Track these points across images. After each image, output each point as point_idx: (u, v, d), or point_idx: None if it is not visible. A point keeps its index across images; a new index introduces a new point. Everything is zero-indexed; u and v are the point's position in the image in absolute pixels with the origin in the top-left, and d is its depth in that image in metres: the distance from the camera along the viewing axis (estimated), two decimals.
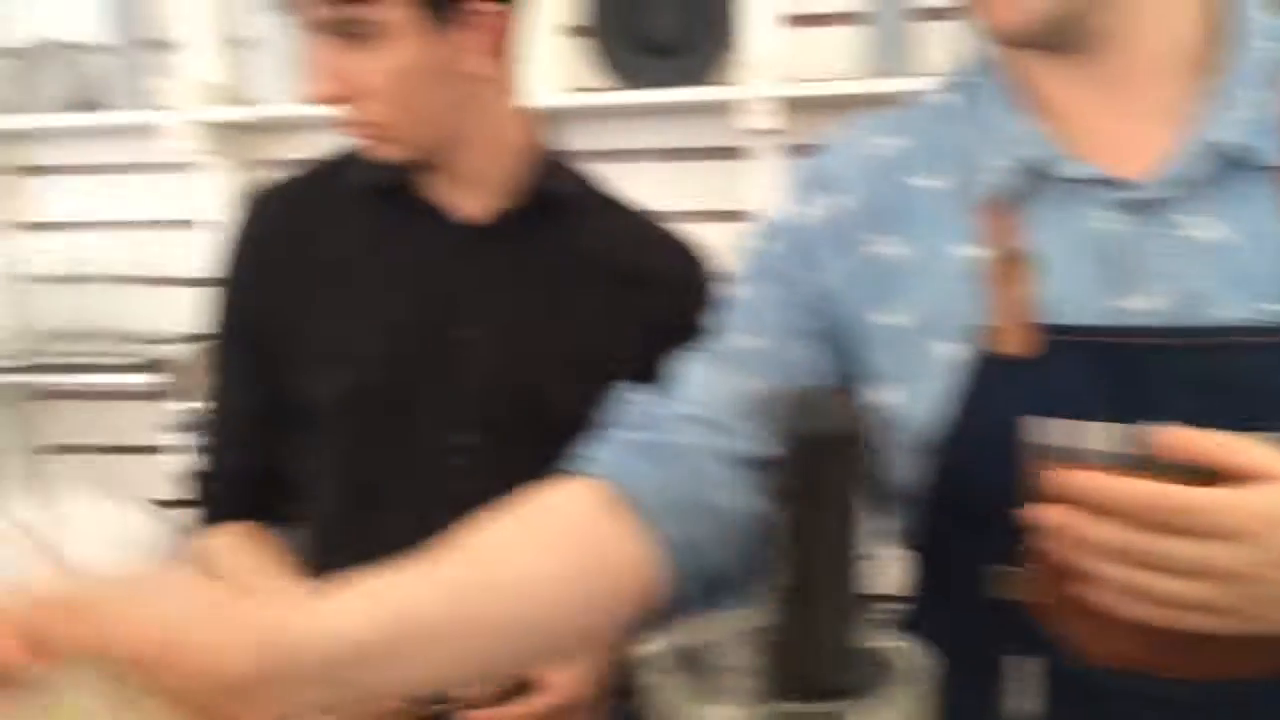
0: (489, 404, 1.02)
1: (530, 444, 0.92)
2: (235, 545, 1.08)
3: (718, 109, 1.91)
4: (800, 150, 1.93)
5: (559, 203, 1.05)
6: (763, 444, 0.74)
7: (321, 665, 0.57)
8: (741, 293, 0.80)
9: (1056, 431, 0.65)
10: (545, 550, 0.68)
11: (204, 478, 1.11)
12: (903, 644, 0.39)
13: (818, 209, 0.78)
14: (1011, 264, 0.70)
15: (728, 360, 0.77)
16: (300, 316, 1.05)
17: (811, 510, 0.32)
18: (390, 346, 1.02)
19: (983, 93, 0.77)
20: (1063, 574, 0.61)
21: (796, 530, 0.33)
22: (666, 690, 0.38)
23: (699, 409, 0.75)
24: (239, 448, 1.10)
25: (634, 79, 1.93)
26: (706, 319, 0.97)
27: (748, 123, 1.81)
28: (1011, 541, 0.65)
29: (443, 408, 1.03)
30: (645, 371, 0.95)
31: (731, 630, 0.41)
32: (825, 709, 0.35)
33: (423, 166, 1.02)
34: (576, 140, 2.00)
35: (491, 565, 0.66)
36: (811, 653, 0.34)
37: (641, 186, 1.97)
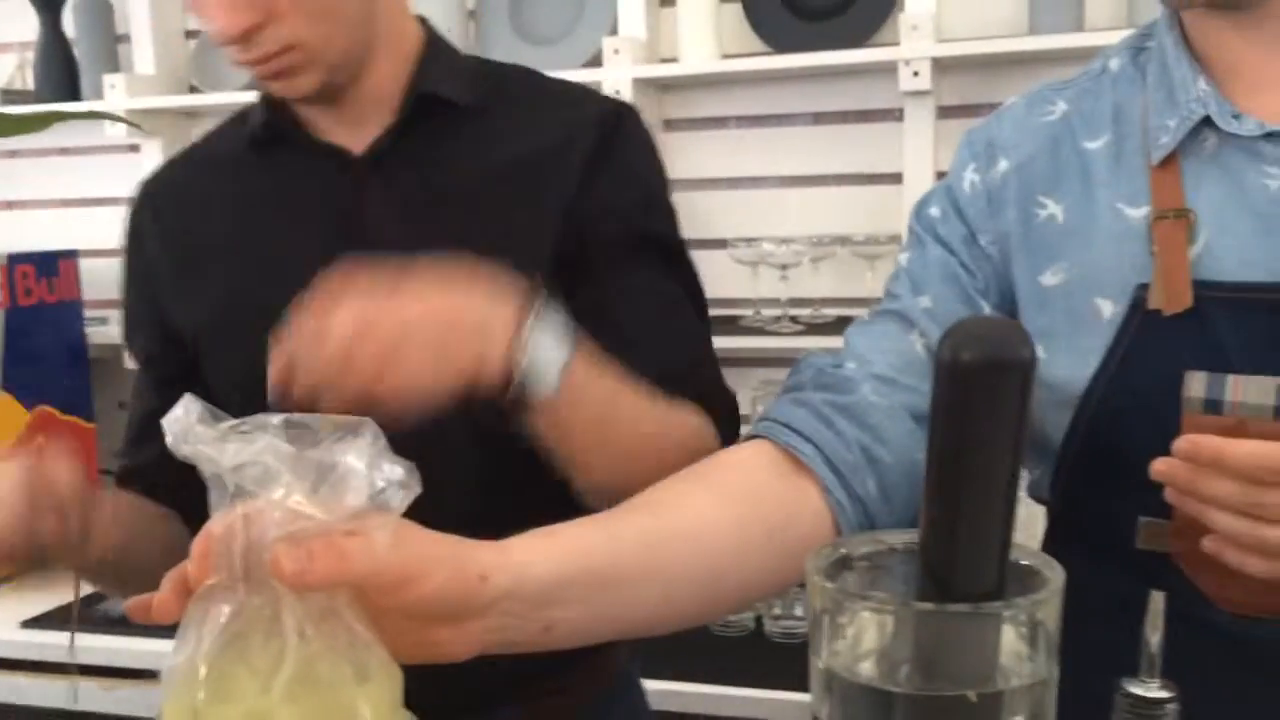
0: None
1: None
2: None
3: (869, 71, 1.92)
4: (954, 111, 1.92)
5: (446, 107, 0.95)
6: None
7: (509, 600, 0.61)
8: (909, 255, 0.83)
9: (1204, 384, 0.68)
10: (723, 503, 0.71)
11: (118, 480, 1.05)
12: (1043, 557, 0.43)
13: (986, 173, 0.81)
14: (1176, 222, 0.72)
15: (898, 320, 0.80)
16: (205, 293, 0.98)
17: (980, 429, 0.36)
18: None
19: (1152, 55, 0.78)
20: (1192, 525, 0.64)
21: (961, 450, 0.37)
22: (829, 591, 0.42)
23: (872, 367, 0.78)
24: (126, 453, 1.04)
25: (783, 43, 1.95)
26: (643, 184, 0.96)
27: (901, 85, 1.82)
28: (1163, 494, 0.67)
29: None
30: (578, 265, 0.91)
31: (892, 542, 0.46)
32: (983, 609, 0.39)
33: (327, 95, 0.93)
34: (728, 107, 2.07)
35: (671, 516, 0.70)
36: (971, 558, 0.39)
37: (794, 152, 2.04)
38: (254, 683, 0.54)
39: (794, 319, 1.95)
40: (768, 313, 1.98)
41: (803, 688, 1.53)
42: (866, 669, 0.42)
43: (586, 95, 1.00)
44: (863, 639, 0.42)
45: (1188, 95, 0.74)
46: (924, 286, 0.80)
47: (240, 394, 0.77)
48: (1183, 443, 0.61)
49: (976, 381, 0.36)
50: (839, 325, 1.93)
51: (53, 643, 1.77)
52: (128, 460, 1.04)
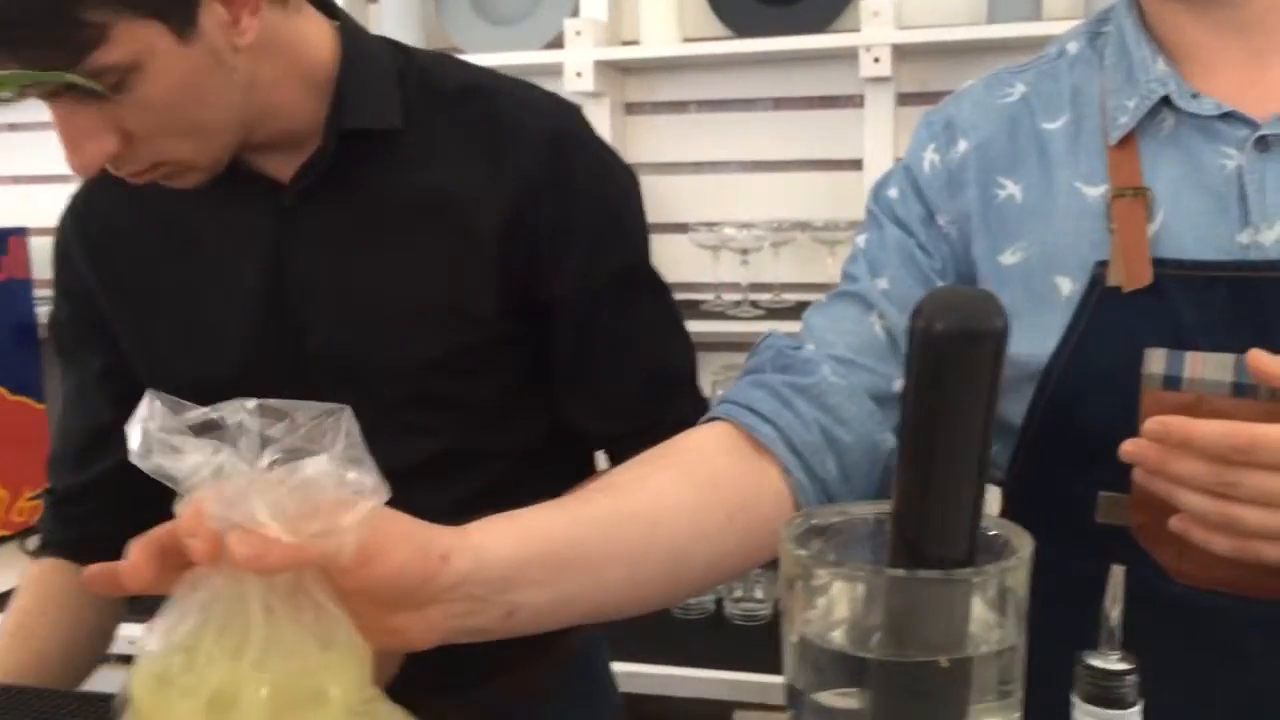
0: (342, 382, 0.83)
1: (397, 408, 0.88)
2: (34, 579, 1.00)
3: (830, 57, 1.93)
4: (913, 99, 1.94)
5: (364, 135, 0.88)
6: (893, 380, 0.78)
7: (471, 583, 0.60)
8: (866, 236, 0.84)
9: (1164, 361, 0.69)
10: (683, 485, 0.71)
11: (59, 502, 1.02)
12: (1012, 526, 0.44)
13: (945, 154, 0.82)
14: (1134, 200, 0.73)
15: (856, 302, 0.80)
16: (132, 318, 0.95)
17: (953, 398, 0.37)
18: (238, 350, 0.90)
19: (1109, 39, 0.79)
20: (1154, 501, 0.65)
21: (934, 419, 0.37)
22: (801, 558, 0.43)
23: (831, 349, 0.78)
24: (73, 469, 0.99)
25: (745, 28, 1.96)
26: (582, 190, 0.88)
27: (862, 71, 1.83)
28: (1121, 469, 0.69)
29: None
30: (522, 296, 0.87)
31: (861, 513, 0.46)
32: (954, 575, 0.40)
33: (224, 169, 0.87)
34: (690, 91, 2.07)
35: (631, 497, 0.70)
36: (943, 525, 0.39)
37: (755, 136, 2.04)
38: (223, 655, 0.54)
39: (754, 304, 1.95)
40: (728, 297, 1.99)
41: (763, 668, 1.54)
42: (838, 637, 0.42)
43: (525, 106, 0.91)
44: (834, 607, 0.43)
45: (1147, 75, 0.75)
46: (881, 268, 0.81)
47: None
48: (1152, 424, 0.62)
49: (950, 351, 0.37)
50: (799, 310, 1.92)
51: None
52: (78, 476, 0.99)
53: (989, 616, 0.42)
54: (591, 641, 1.08)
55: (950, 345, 0.37)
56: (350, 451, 0.56)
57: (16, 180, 2.40)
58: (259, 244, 0.90)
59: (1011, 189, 0.79)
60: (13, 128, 2.39)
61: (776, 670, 1.50)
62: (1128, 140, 0.75)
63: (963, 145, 0.81)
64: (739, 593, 1.70)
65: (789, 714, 0.46)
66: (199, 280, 0.91)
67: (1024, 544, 0.42)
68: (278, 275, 0.89)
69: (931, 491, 0.39)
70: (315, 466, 0.54)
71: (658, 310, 0.96)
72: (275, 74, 0.85)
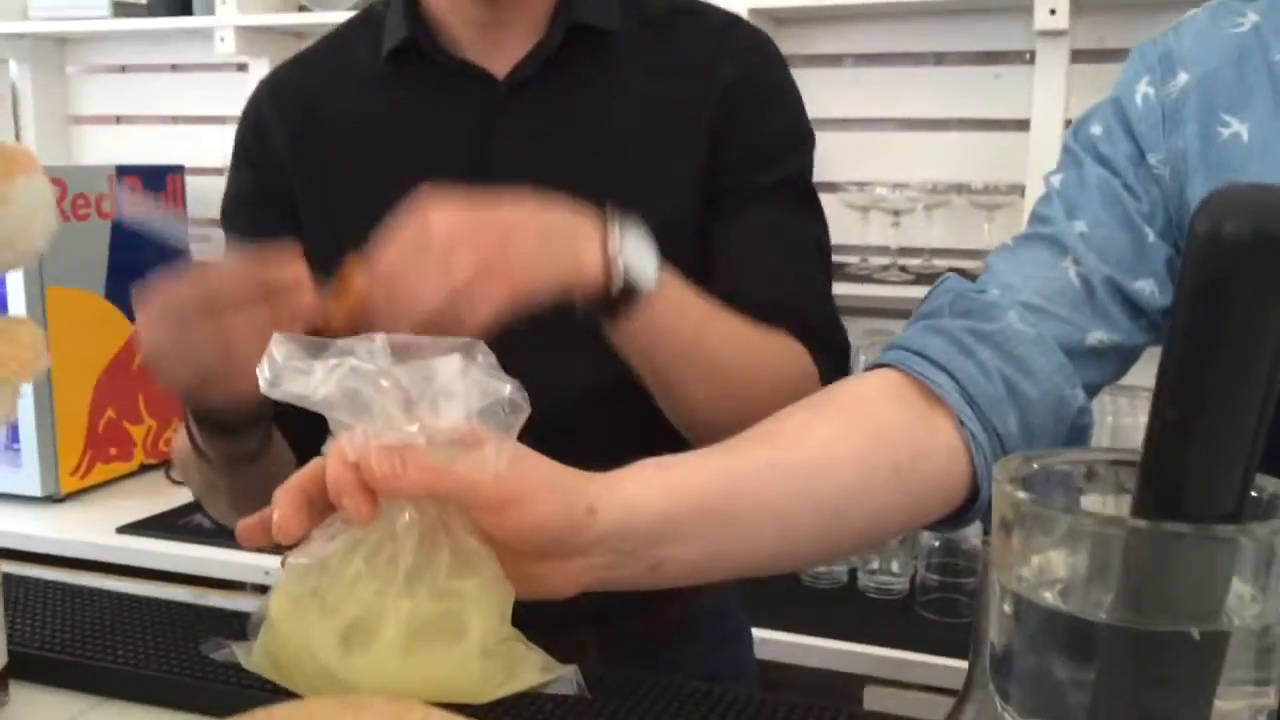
0: None
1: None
2: None
3: (999, 9, 1.82)
4: (1089, 55, 1.81)
5: (593, 34, 0.91)
6: (1087, 332, 0.71)
7: (617, 536, 0.58)
8: (1062, 176, 0.77)
9: None
10: (846, 436, 0.67)
11: None
12: (1277, 481, 0.37)
13: (1161, 87, 0.74)
14: None
15: (1048, 245, 0.74)
16: (323, 202, 0.94)
17: (1240, 319, 0.30)
18: None
19: None
20: None
21: (1213, 342, 0.31)
22: (1023, 502, 0.37)
23: (1018, 294, 0.72)
24: None
25: None
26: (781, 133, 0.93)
27: (1036, 24, 1.71)
28: None
29: None
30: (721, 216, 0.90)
31: (1094, 458, 0.40)
32: (1216, 532, 0.34)
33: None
34: (845, 44, 1.98)
35: (790, 448, 0.66)
36: (1210, 469, 0.33)
37: (914, 93, 1.94)
38: (369, 578, 0.54)
39: (903, 268, 1.87)
40: (875, 261, 1.91)
41: (898, 644, 1.47)
42: (1061, 597, 0.37)
43: (730, 26, 0.95)
44: (1054, 563, 0.37)
45: None
46: (1079, 209, 0.73)
47: None
48: None
49: (1241, 260, 0.30)
50: None
51: (145, 549, 1.79)
52: None
53: (1246, 589, 0.35)
54: (729, 587, 1.05)
55: (1242, 253, 0.30)
56: (487, 362, 0.54)
57: (175, 120, 2.47)
58: (465, 135, 0.91)
59: (1237, 127, 0.70)
60: (174, 68, 2.45)
61: (911, 647, 1.44)
62: None
63: (1182, 78, 0.73)
64: (875, 564, 1.64)
65: (986, 683, 0.40)
66: (397, 169, 0.88)
67: None
68: (483, 168, 0.90)
69: (1198, 432, 0.33)
70: (446, 371, 0.52)
71: (814, 226, 0.96)
72: None
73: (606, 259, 0.72)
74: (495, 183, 0.86)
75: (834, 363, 0.89)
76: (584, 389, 0.86)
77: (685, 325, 0.78)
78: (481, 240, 0.68)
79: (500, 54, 0.91)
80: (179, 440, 0.88)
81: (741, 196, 0.91)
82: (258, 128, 0.97)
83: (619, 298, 0.73)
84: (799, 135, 0.96)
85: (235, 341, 0.70)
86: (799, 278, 0.92)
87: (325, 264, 0.90)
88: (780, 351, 0.86)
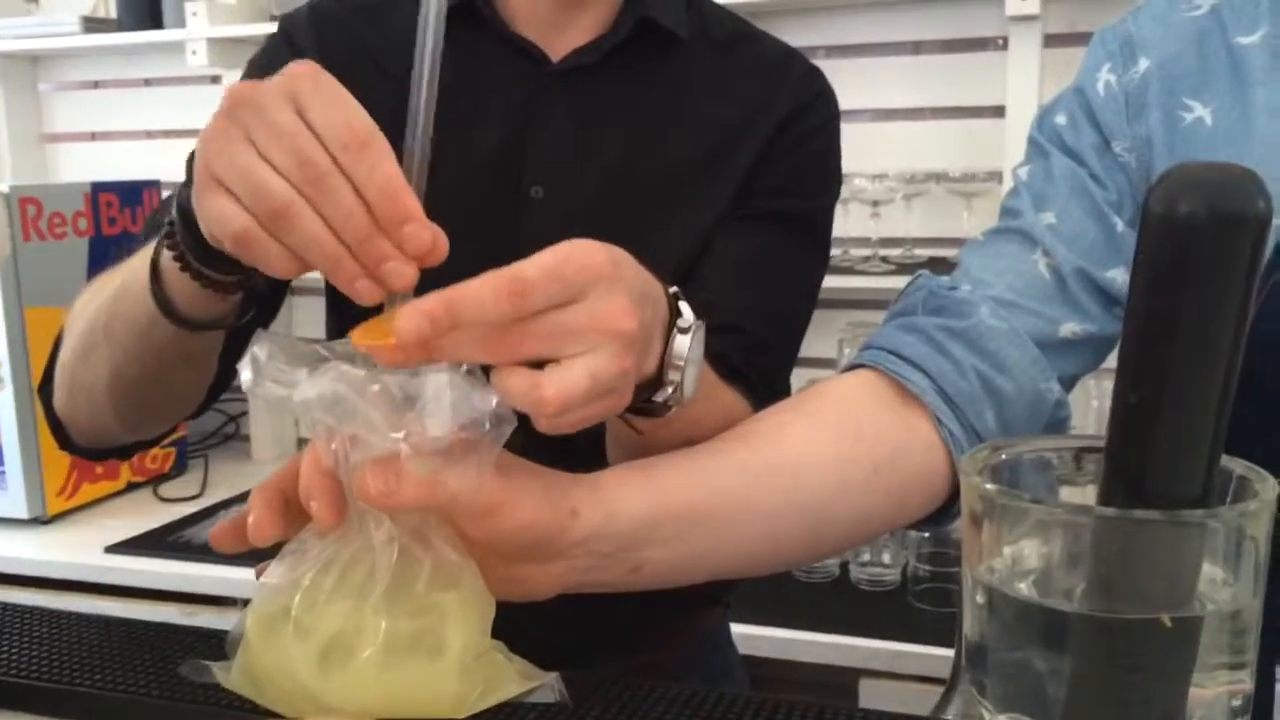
0: None
1: None
2: None
3: None
4: (1062, 40, 1.81)
5: (656, 35, 0.88)
6: (1059, 324, 0.71)
7: (600, 538, 0.58)
8: (1029, 168, 0.76)
9: None
10: (824, 436, 0.67)
11: None
12: (1247, 465, 0.37)
13: (1123, 74, 0.73)
14: None
15: (1018, 239, 0.73)
16: None
17: (1198, 300, 0.30)
18: (459, 202, 0.79)
19: None
20: None
21: (1172, 325, 0.30)
22: (990, 494, 0.37)
23: (990, 289, 0.71)
24: None
25: None
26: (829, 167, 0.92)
27: (1008, 9, 1.71)
28: None
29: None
30: (754, 243, 0.87)
31: (1060, 446, 0.40)
32: (1183, 517, 0.33)
33: None
34: (820, 35, 1.98)
35: (770, 448, 0.66)
36: (1175, 455, 0.33)
37: (889, 83, 1.94)
38: (345, 595, 0.53)
39: (884, 259, 1.87)
40: (856, 252, 1.91)
41: (891, 636, 1.47)
42: (1033, 587, 0.36)
43: (788, 57, 0.93)
44: (1026, 552, 0.37)
45: None
46: (1047, 201, 0.73)
47: None
48: None
49: (1196, 239, 0.30)
50: (932, 267, 1.84)
51: (134, 568, 1.78)
52: None
53: (1217, 572, 0.35)
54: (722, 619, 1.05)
55: (1197, 233, 0.30)
56: (472, 374, 0.53)
57: (150, 134, 2.46)
58: (510, 110, 0.88)
59: (1200, 111, 0.70)
60: (147, 83, 2.44)
61: (904, 638, 1.43)
62: None
63: (1143, 64, 0.73)
64: (866, 556, 1.64)
65: (966, 675, 0.40)
66: (434, 131, 0.86)
67: (1266, 486, 0.35)
68: (521, 148, 0.87)
69: (1162, 416, 0.32)
70: (432, 383, 0.51)
71: (810, 272, 0.93)
72: None
73: (662, 366, 0.60)
74: (530, 165, 0.87)
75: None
76: None
77: (693, 411, 0.67)
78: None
79: (561, 37, 0.88)
80: (117, 281, 0.80)
81: (754, 213, 0.89)
82: (292, 48, 0.91)
83: (654, 404, 0.62)
84: (828, 173, 0.94)
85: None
86: (775, 321, 0.88)
87: None
88: (731, 404, 0.78)
